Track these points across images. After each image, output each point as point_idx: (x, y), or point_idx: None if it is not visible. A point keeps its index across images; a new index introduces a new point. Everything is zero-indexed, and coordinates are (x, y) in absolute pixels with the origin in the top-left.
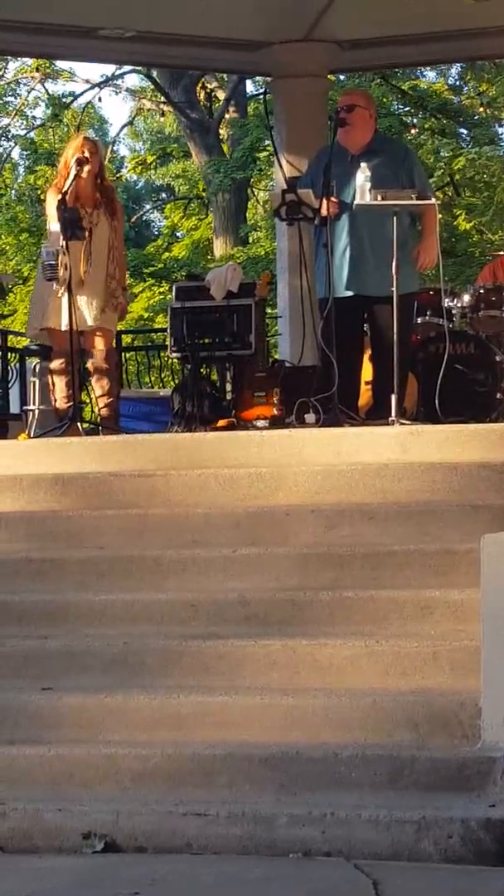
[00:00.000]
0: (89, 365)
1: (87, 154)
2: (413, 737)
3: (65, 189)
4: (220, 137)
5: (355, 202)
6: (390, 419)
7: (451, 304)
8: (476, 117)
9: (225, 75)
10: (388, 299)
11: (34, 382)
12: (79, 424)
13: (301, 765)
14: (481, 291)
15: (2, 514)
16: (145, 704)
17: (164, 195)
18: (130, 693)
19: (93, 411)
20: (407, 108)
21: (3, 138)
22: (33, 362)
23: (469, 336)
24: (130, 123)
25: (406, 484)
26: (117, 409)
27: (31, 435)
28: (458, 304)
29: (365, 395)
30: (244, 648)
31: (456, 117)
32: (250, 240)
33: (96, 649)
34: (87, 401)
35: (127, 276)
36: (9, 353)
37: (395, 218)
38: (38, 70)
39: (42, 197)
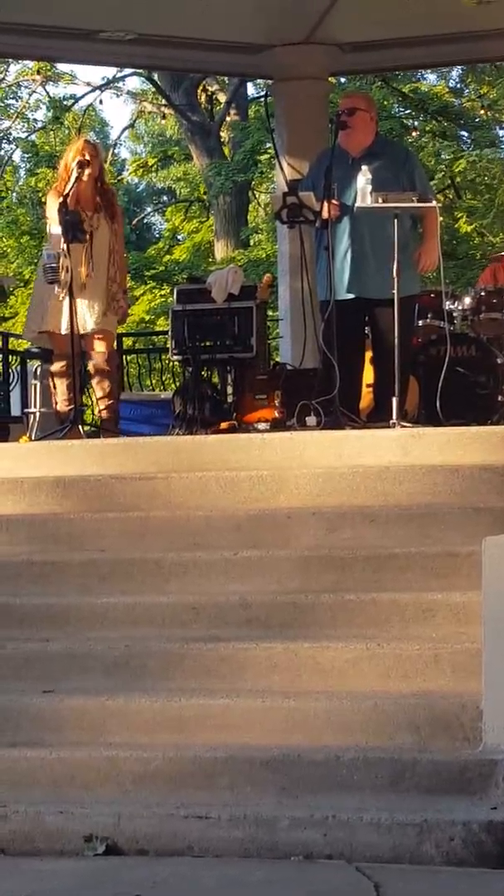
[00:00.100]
0: (90, 367)
1: (87, 157)
2: (414, 739)
3: (66, 192)
4: (221, 140)
5: (356, 205)
6: (391, 422)
7: (452, 306)
8: (477, 120)
9: (226, 78)
10: (389, 302)
11: (35, 385)
12: (80, 427)
13: (302, 767)
14: (482, 294)
15: (3, 517)
16: (146, 707)
17: (165, 198)
18: (132, 696)
19: (93, 414)
20: (408, 111)
21: (4, 141)
22: (34, 365)
23: (470, 338)
24: (131, 126)
25: (407, 486)
26: (117, 412)
27: (33, 437)
28: (459, 307)
29: (366, 397)
30: (245, 651)
31: (457, 120)
32: (251, 242)
33: (98, 652)
34: (88, 403)
35: (127, 278)
36: (10, 356)
37: (395, 220)
38: (39, 73)
39: (43, 200)
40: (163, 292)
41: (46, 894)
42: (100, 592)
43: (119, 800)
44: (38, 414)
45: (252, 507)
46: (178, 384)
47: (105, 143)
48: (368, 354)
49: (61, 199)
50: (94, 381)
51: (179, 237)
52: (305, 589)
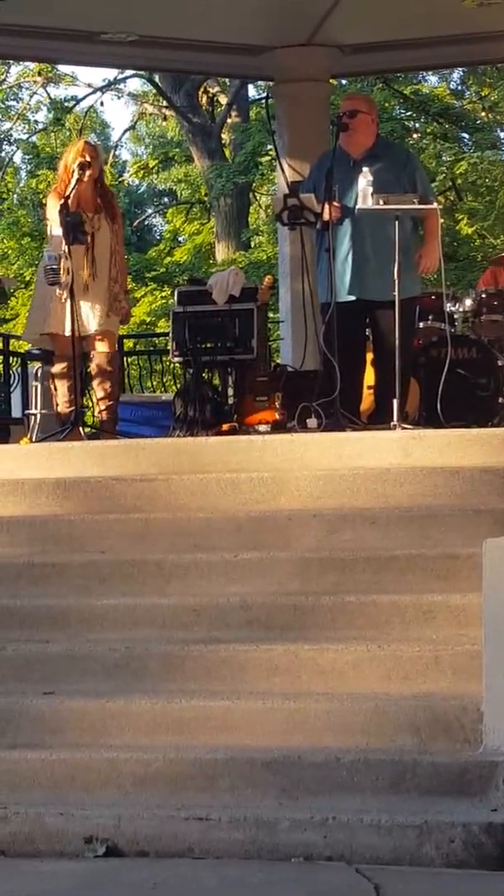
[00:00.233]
0: (92, 368)
1: (88, 158)
2: (415, 741)
3: (67, 193)
4: (222, 142)
5: (357, 206)
6: (392, 423)
7: (452, 308)
8: (478, 122)
9: (227, 79)
10: (390, 304)
11: (36, 387)
12: (80, 429)
13: (303, 769)
14: (483, 296)
15: (4, 518)
16: (147, 709)
17: (166, 199)
18: (132, 697)
19: (94, 416)
20: (409, 113)
21: (5, 142)
22: (35, 366)
23: (471, 340)
24: (132, 128)
25: (408, 488)
26: (117, 413)
27: (33, 439)
28: (460, 309)
29: (367, 399)
30: (246, 653)
31: (458, 121)
32: (252, 244)
33: (98, 654)
34: (89, 405)
35: (128, 279)
36: (10, 358)
37: (396, 222)
38: (40, 74)
39: (43, 201)
40: (163, 294)
41: (47, 895)
42: (100, 594)
43: (119, 801)
44: (38, 415)
45: (253, 508)
46: (178, 386)
47: (106, 145)
48: (369, 356)
49: (62, 200)
50: (95, 383)
51: (180, 239)
52: (306, 590)
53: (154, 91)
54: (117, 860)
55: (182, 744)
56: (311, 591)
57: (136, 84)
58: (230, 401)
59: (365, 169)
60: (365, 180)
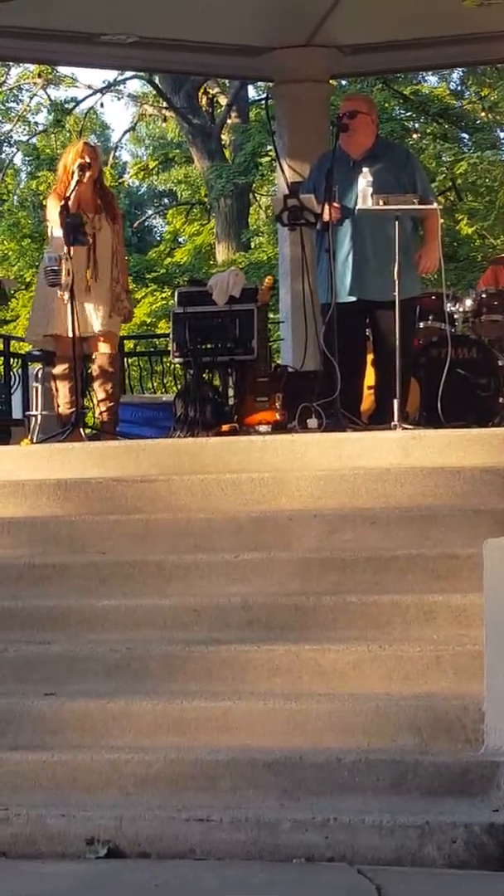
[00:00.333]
0: (94, 369)
1: (87, 159)
2: (416, 741)
3: (67, 195)
4: (222, 143)
5: (357, 207)
6: (392, 424)
7: (453, 308)
8: (478, 122)
9: (227, 80)
10: (390, 304)
11: (37, 388)
12: (81, 430)
13: (304, 770)
14: (483, 296)
15: (5, 520)
16: (148, 709)
17: (166, 200)
18: (133, 698)
19: (94, 416)
20: (408, 113)
21: (5, 144)
22: (36, 367)
23: (471, 340)
24: (132, 129)
25: (408, 488)
26: (117, 414)
27: (34, 440)
28: (461, 309)
29: (367, 399)
30: (247, 653)
31: (457, 122)
32: (252, 245)
33: (99, 654)
34: (90, 406)
35: (129, 279)
36: (11, 359)
37: (396, 222)
38: (40, 76)
39: (44, 203)
40: (164, 295)
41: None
42: (101, 595)
43: (121, 802)
44: (39, 417)
45: (253, 509)
46: (179, 387)
47: (106, 146)
48: (370, 357)
49: (62, 202)
50: (96, 384)
51: (180, 240)
52: (307, 591)
53: (154, 92)
54: (118, 861)
55: (183, 744)
56: (311, 592)
57: (135, 85)
58: (230, 401)
59: (365, 169)
60: (365, 181)
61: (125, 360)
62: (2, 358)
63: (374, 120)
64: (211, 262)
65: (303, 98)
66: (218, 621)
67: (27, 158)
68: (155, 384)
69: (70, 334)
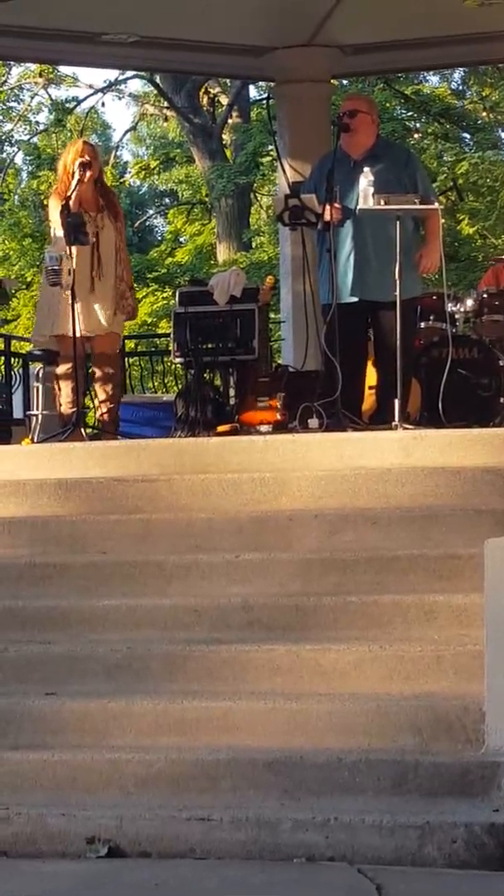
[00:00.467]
0: (95, 370)
1: (88, 158)
2: (417, 742)
3: (68, 194)
4: (223, 142)
5: (358, 207)
6: (393, 424)
7: (454, 308)
8: (479, 122)
9: (228, 80)
10: (391, 304)
11: (37, 387)
12: (82, 429)
13: (305, 770)
14: (484, 296)
15: (5, 519)
16: (149, 709)
17: (167, 200)
18: (134, 698)
19: (95, 416)
20: (410, 113)
21: (6, 143)
22: (36, 367)
23: (472, 340)
24: (133, 129)
25: (409, 488)
26: (118, 414)
27: (35, 440)
28: (462, 309)
29: (368, 399)
30: (248, 653)
31: (459, 122)
32: (253, 245)
33: (100, 654)
34: (91, 406)
35: (132, 276)
36: (12, 358)
37: (398, 222)
38: (41, 75)
39: (45, 202)
40: (165, 295)
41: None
42: (101, 595)
43: (121, 802)
44: (40, 416)
45: (254, 509)
46: (180, 386)
47: (107, 146)
48: (371, 356)
49: (63, 201)
50: (97, 384)
51: (181, 239)
52: (307, 591)
53: (155, 92)
54: (119, 861)
55: (184, 744)
56: (312, 592)
57: (136, 85)
58: (231, 401)
59: (366, 169)
60: (366, 180)
61: (126, 359)
62: (3, 357)
63: (374, 120)
64: (212, 262)
65: (304, 98)
66: (219, 621)
67: (28, 158)
68: (156, 384)
69: (78, 334)
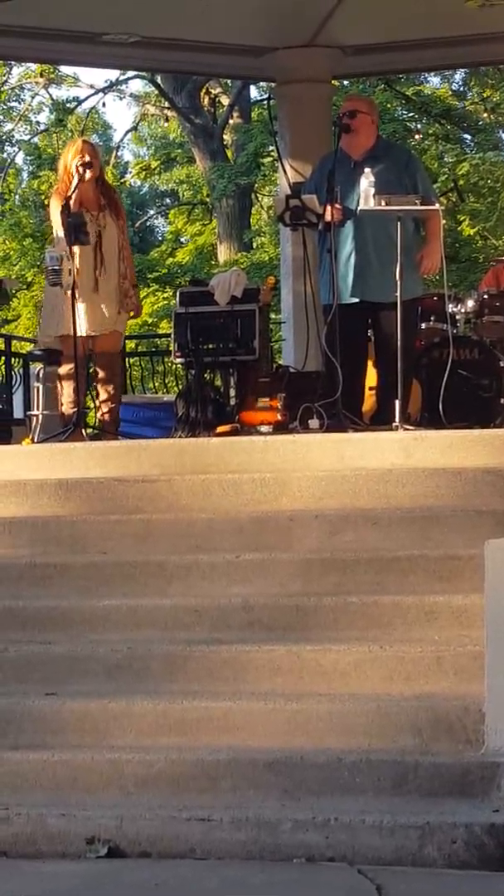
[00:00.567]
0: (97, 369)
1: (88, 158)
2: (417, 742)
3: (69, 194)
4: (224, 143)
5: (359, 207)
6: (394, 424)
7: (455, 309)
8: (480, 123)
9: (228, 80)
10: (392, 305)
11: (38, 387)
12: (83, 430)
13: (305, 770)
14: (485, 297)
15: (6, 519)
16: (149, 710)
17: (168, 200)
18: (134, 698)
19: (96, 416)
20: (411, 114)
21: (6, 143)
22: (37, 367)
23: (473, 341)
24: (134, 129)
25: (410, 489)
26: (119, 414)
27: (35, 440)
28: (462, 310)
29: (369, 400)
30: (248, 654)
31: (460, 123)
32: (254, 245)
33: (100, 654)
34: (91, 406)
35: (136, 274)
36: (13, 358)
37: (398, 223)
38: (41, 75)
39: (46, 203)
40: (165, 295)
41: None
42: (102, 595)
43: (121, 802)
44: (40, 416)
45: (254, 509)
46: (180, 387)
47: (108, 146)
48: (371, 357)
49: (64, 201)
50: (98, 384)
51: (182, 240)
52: (308, 591)
53: (156, 92)
54: (119, 861)
55: (184, 745)
56: (313, 592)
57: (137, 85)
58: (232, 402)
59: (367, 170)
60: (367, 181)
61: (126, 360)
62: (3, 357)
63: (374, 120)
64: (213, 263)
65: (305, 98)
66: (219, 622)
67: (29, 158)
68: (156, 384)
69: (82, 333)
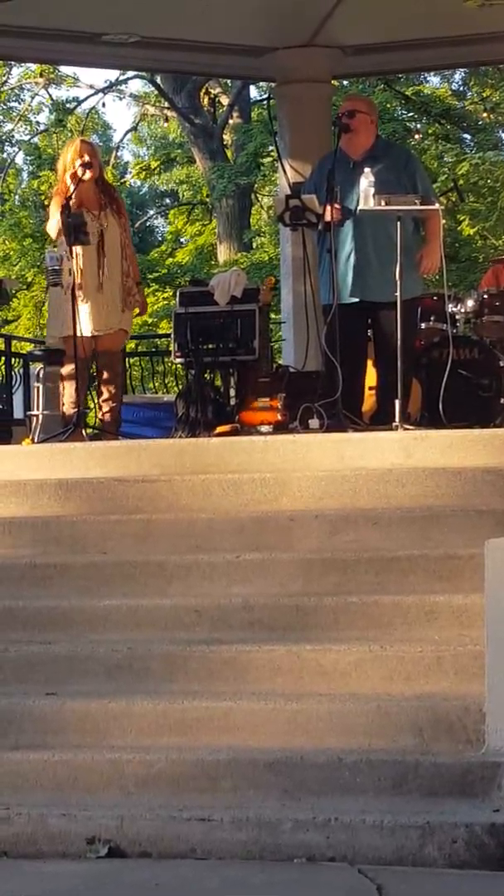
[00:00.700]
0: (99, 369)
1: (87, 158)
2: (417, 742)
3: (69, 195)
4: (224, 143)
5: (359, 207)
6: (394, 424)
7: (454, 309)
8: (480, 122)
9: (228, 80)
10: (391, 304)
11: (38, 387)
12: (83, 430)
13: (305, 770)
14: (485, 296)
15: (6, 520)
16: (149, 710)
17: (167, 201)
18: (134, 698)
19: (96, 416)
20: (410, 114)
21: (6, 144)
22: (37, 367)
23: (473, 341)
24: (134, 129)
25: (410, 489)
26: (120, 414)
27: (35, 440)
28: (462, 309)
29: (369, 400)
30: (248, 654)
31: (459, 122)
32: (254, 245)
33: (100, 654)
34: (91, 406)
35: (139, 271)
36: (13, 358)
37: (398, 223)
38: (41, 75)
39: (46, 203)
40: (165, 295)
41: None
42: (102, 595)
43: (122, 802)
44: (40, 416)
45: (255, 509)
46: (180, 387)
47: (108, 146)
48: (371, 357)
49: (64, 201)
50: (101, 384)
51: (182, 240)
52: (308, 591)
53: (155, 92)
54: (119, 861)
55: (184, 745)
56: (313, 592)
57: (137, 85)
58: (232, 402)
59: (367, 170)
60: (366, 181)
61: (126, 360)
62: (3, 357)
63: (373, 120)
64: (212, 263)
65: (304, 98)
66: (219, 622)
67: (29, 158)
68: (156, 384)
69: (87, 334)
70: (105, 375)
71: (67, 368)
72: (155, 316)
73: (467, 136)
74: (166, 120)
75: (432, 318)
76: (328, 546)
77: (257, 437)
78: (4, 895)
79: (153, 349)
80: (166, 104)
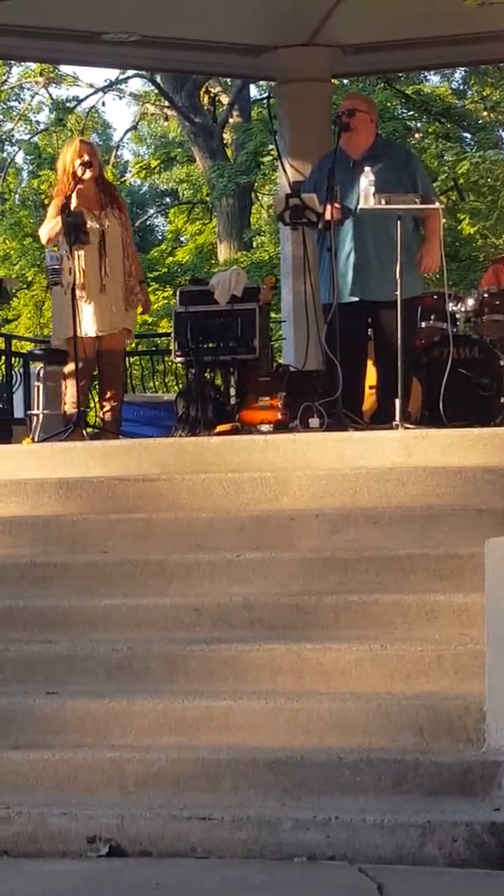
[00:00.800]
0: (101, 368)
1: (87, 157)
2: (418, 741)
3: (69, 195)
4: (224, 142)
5: (359, 206)
6: (394, 423)
7: (455, 308)
8: (480, 121)
9: (228, 80)
10: (391, 303)
11: (38, 387)
12: (83, 429)
13: (305, 769)
14: (485, 296)
15: (6, 519)
16: (150, 709)
17: (167, 200)
18: (135, 698)
19: (96, 415)
20: (411, 113)
21: (6, 143)
22: (37, 367)
23: (473, 340)
24: (134, 128)
25: (410, 488)
26: (121, 413)
27: (36, 439)
28: (462, 308)
29: (369, 399)
30: (249, 653)
31: (460, 121)
32: (254, 244)
33: (101, 654)
34: (91, 406)
35: (141, 269)
36: (13, 358)
37: (398, 222)
38: (41, 75)
39: (46, 203)
40: (165, 294)
41: (49, 895)
42: (102, 594)
43: (122, 801)
44: (41, 416)
45: (255, 508)
46: (181, 386)
47: (108, 145)
48: (372, 356)
49: (64, 201)
50: (104, 383)
51: (182, 239)
52: (308, 590)
53: (155, 91)
54: (120, 860)
55: (184, 744)
56: (313, 591)
57: (137, 84)
58: (232, 401)
59: (367, 169)
60: (367, 180)
61: (127, 359)
62: (3, 357)
63: (373, 119)
64: (213, 262)
65: (304, 97)
66: (219, 621)
67: (29, 157)
68: (156, 383)
69: (92, 334)
70: (107, 375)
71: (70, 367)
72: (155, 315)
73: (467, 134)
74: (166, 119)
75: (432, 317)
76: (328, 545)
77: (257, 436)
78: (4, 894)
79: (153, 348)
80: (166, 103)
